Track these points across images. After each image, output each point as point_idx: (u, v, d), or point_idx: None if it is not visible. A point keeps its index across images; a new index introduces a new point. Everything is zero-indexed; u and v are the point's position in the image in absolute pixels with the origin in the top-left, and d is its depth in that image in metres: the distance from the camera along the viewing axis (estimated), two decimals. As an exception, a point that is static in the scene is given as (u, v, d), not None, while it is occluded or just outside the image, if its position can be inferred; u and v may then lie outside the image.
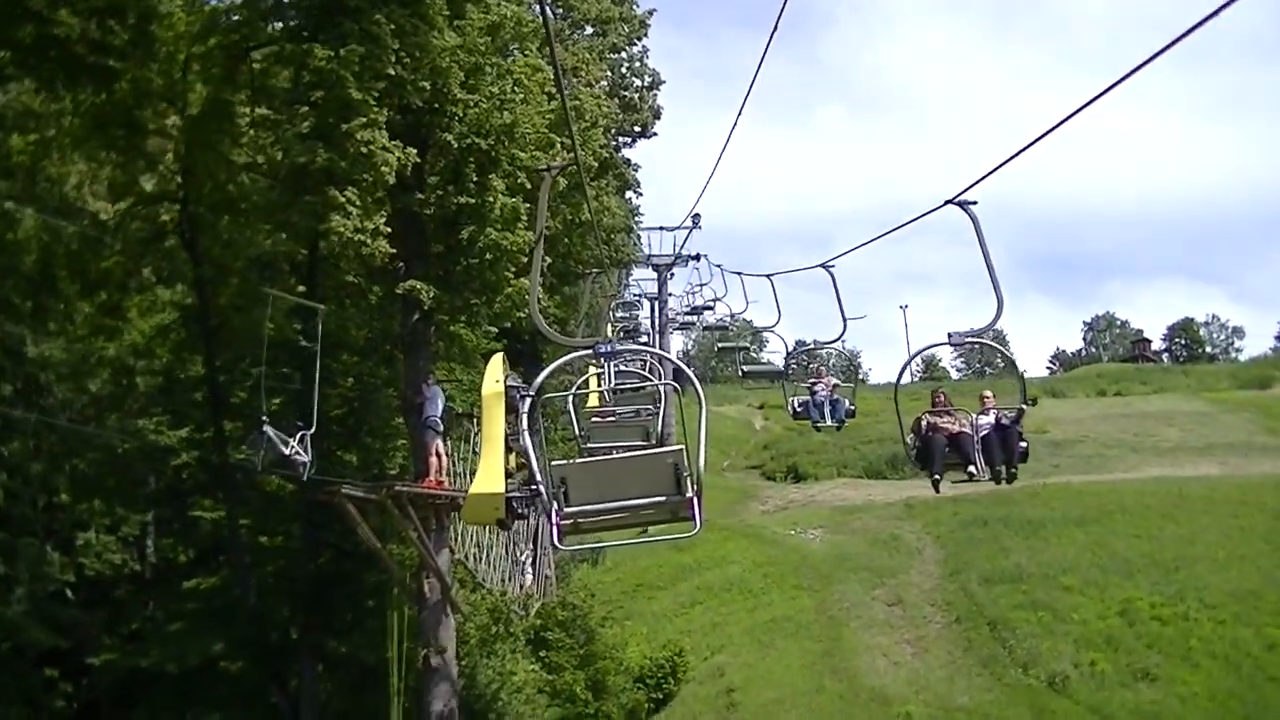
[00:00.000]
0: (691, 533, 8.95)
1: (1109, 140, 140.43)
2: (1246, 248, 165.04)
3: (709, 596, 38.37)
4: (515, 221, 21.35)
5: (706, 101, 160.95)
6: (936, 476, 13.20)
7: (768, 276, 23.60)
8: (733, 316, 34.44)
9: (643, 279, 49.32)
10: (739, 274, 31.27)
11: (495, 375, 13.51)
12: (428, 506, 22.52)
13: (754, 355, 31.56)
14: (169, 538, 32.82)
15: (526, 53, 22.38)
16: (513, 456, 13.42)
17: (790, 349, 27.94)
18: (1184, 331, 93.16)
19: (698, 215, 45.54)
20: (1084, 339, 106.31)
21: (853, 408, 19.75)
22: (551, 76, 22.48)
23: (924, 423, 13.48)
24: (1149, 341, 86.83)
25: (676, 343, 46.45)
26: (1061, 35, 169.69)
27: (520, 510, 13.17)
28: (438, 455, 21.95)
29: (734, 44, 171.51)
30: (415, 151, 20.08)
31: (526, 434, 9.49)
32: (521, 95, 21.66)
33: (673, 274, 48.85)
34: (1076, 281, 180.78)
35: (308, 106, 19.45)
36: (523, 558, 32.80)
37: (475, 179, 21.19)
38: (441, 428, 21.95)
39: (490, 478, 12.64)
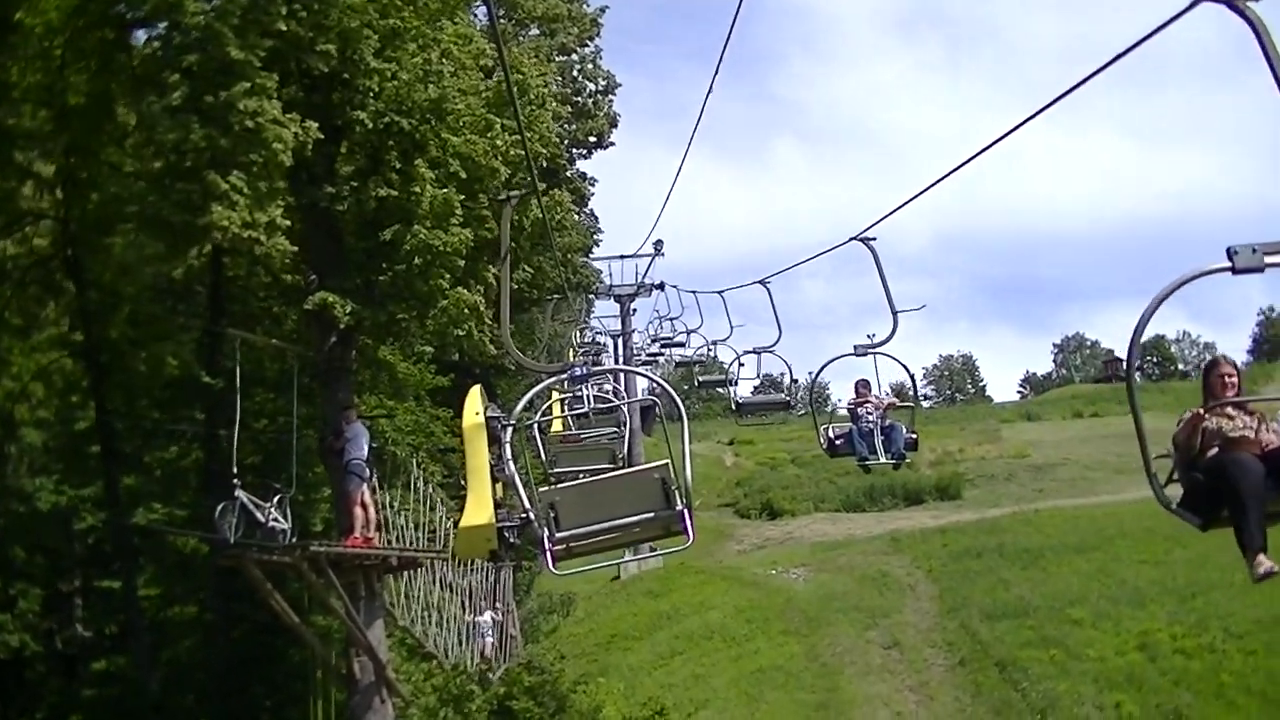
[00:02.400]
0: (684, 546, 8.65)
1: (1058, 165, 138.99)
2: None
3: (689, 646, 33.82)
4: (449, 217, 16.50)
5: (662, 140, 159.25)
6: (1255, 547, 6.11)
7: (761, 282, 18.64)
8: (713, 344, 28.83)
9: (604, 315, 44.85)
10: (720, 292, 26.15)
11: (475, 407, 12.39)
12: (355, 569, 17.47)
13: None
14: (87, 611, 27.77)
15: (456, 22, 17.77)
16: (499, 486, 12.69)
17: (794, 376, 23.64)
18: (1156, 349, 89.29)
19: (660, 241, 41.16)
20: (1054, 361, 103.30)
21: (913, 435, 14.21)
22: (486, 49, 18.03)
23: (1204, 430, 6.64)
24: (1121, 361, 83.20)
25: (642, 379, 41.97)
26: (1013, 67, 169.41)
27: (511, 539, 12.45)
28: (364, 506, 17.06)
29: (686, 81, 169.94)
30: (316, 126, 15.10)
31: (511, 463, 9.29)
32: (451, 69, 17.04)
33: (635, 308, 44.59)
34: (1037, 306, 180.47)
35: (179, 74, 14.69)
36: (482, 618, 28.05)
37: (398, 166, 16.29)
38: (367, 473, 17.04)
39: (480, 510, 11.61)
